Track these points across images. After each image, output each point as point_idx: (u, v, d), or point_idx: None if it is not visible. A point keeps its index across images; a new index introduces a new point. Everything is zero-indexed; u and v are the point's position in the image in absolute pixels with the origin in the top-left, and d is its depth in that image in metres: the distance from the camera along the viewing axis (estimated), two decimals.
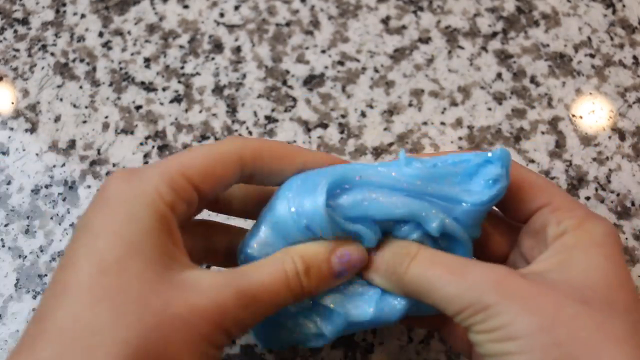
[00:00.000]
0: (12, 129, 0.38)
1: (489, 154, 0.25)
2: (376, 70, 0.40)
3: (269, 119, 0.38)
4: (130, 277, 0.20)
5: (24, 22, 0.42)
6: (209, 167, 0.23)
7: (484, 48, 0.41)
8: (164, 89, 0.39)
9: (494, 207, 0.26)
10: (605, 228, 0.23)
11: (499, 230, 0.27)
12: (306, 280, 0.23)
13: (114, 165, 0.37)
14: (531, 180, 0.25)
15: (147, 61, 0.40)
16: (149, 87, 0.39)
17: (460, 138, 0.38)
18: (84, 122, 0.38)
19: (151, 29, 0.41)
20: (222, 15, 0.42)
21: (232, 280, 0.22)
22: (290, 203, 0.25)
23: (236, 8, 0.42)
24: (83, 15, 0.42)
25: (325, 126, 0.38)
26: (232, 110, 0.38)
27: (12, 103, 0.39)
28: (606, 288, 0.21)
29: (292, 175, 0.25)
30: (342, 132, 0.38)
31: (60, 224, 0.35)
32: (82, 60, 0.40)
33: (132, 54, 0.40)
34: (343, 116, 0.38)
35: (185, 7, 0.42)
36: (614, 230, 0.24)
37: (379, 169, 0.26)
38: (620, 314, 0.21)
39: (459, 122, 0.38)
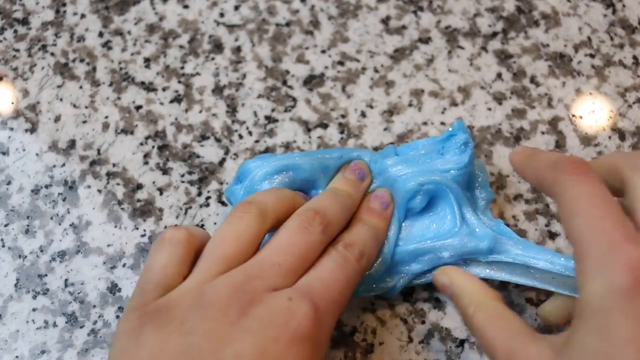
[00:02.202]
0: (12, 129, 0.38)
1: (450, 129, 0.32)
2: (376, 70, 0.40)
3: (269, 119, 0.38)
4: None
5: (24, 22, 0.42)
6: None
7: (484, 48, 0.41)
8: (164, 89, 0.39)
9: None
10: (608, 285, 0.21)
11: None
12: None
13: (114, 165, 0.37)
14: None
15: (147, 61, 0.40)
16: (149, 87, 0.39)
17: None
18: (84, 122, 0.38)
19: (151, 29, 0.41)
20: (222, 15, 0.42)
21: None
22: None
23: (236, 8, 0.42)
24: (83, 15, 0.42)
25: (325, 126, 0.38)
26: (232, 110, 0.38)
27: (12, 103, 0.39)
28: None
29: None
30: (342, 132, 0.38)
31: (60, 224, 0.35)
32: (82, 60, 0.40)
33: (132, 54, 0.40)
34: (343, 116, 0.38)
35: (185, 7, 0.42)
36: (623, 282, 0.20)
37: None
38: None
39: None
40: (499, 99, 0.39)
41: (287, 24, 0.41)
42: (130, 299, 0.25)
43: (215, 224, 0.35)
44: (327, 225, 0.27)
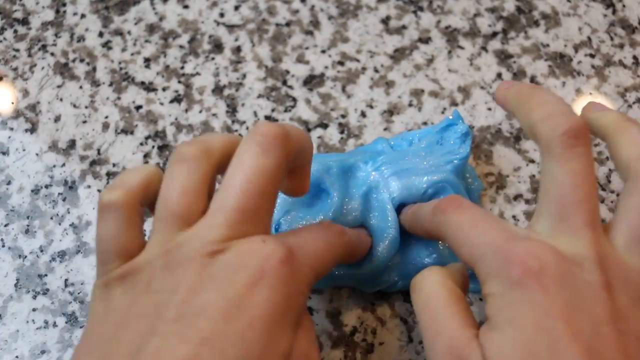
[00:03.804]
0: (12, 129, 0.38)
1: (450, 117, 0.33)
2: (376, 70, 0.40)
3: (269, 119, 0.38)
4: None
5: (24, 22, 0.42)
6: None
7: (484, 48, 0.41)
8: (164, 89, 0.39)
9: None
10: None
11: None
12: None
13: (114, 165, 0.37)
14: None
15: (147, 61, 0.40)
16: (149, 87, 0.39)
17: None
18: (84, 122, 0.38)
19: (151, 29, 0.41)
20: (222, 15, 0.42)
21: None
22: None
23: (236, 8, 0.42)
24: (83, 15, 0.42)
25: (325, 126, 0.38)
26: (232, 110, 0.38)
27: (12, 103, 0.39)
28: None
29: None
30: (342, 132, 0.38)
31: (60, 224, 0.35)
32: (82, 60, 0.40)
33: (132, 54, 0.40)
34: (343, 116, 0.38)
35: (185, 7, 0.42)
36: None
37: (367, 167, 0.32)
38: None
39: None
40: None
41: (287, 24, 0.41)
42: (96, 275, 0.24)
43: None
44: (285, 138, 0.23)
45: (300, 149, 0.25)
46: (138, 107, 0.39)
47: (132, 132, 0.38)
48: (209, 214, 0.23)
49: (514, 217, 0.35)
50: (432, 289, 0.24)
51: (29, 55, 0.40)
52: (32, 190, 0.36)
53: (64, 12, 0.42)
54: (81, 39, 0.41)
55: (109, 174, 0.36)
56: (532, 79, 0.40)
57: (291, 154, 0.24)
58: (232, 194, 0.22)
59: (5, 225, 0.35)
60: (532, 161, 0.37)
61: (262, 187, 0.23)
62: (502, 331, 0.21)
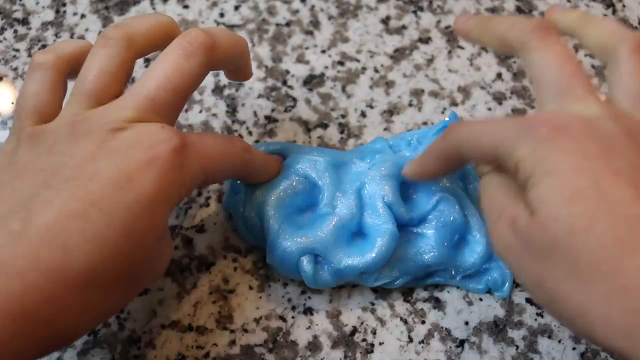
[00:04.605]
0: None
1: (446, 119, 0.34)
2: (376, 70, 0.40)
3: (269, 119, 0.38)
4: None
5: (24, 22, 0.42)
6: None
7: (484, 48, 0.41)
8: None
9: None
10: None
11: None
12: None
13: None
14: None
15: (147, 61, 0.40)
16: None
17: None
18: None
19: None
20: (222, 15, 0.42)
21: None
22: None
23: (236, 8, 0.42)
24: (83, 15, 0.42)
25: (325, 126, 0.38)
26: (232, 110, 0.38)
27: (12, 103, 0.39)
28: None
29: None
30: (342, 132, 0.38)
31: None
32: None
33: None
34: (343, 116, 0.38)
35: (185, 7, 0.42)
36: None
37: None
38: None
39: None
40: (499, 99, 0.39)
41: (287, 24, 0.41)
42: (11, 125, 0.25)
43: (215, 224, 0.35)
44: (210, 47, 0.26)
45: (230, 56, 0.27)
46: None
47: None
48: (120, 97, 0.25)
49: None
50: (487, 179, 0.25)
51: (29, 55, 0.40)
52: None
53: (64, 12, 0.42)
54: (81, 39, 0.41)
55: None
56: None
57: (215, 61, 0.26)
58: (147, 84, 0.25)
59: None
60: None
61: (177, 84, 0.25)
62: (541, 183, 0.21)
